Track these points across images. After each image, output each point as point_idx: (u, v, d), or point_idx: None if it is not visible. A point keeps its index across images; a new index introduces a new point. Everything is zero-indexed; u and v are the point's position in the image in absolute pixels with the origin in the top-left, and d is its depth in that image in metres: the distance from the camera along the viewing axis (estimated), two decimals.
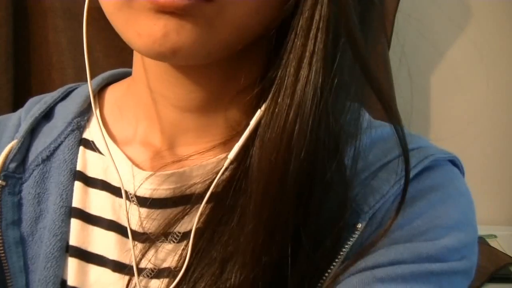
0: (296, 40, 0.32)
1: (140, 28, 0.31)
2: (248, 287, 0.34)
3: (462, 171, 0.43)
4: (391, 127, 0.43)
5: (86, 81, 0.43)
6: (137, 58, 0.41)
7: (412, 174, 0.39)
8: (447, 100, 1.31)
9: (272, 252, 0.34)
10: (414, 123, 1.46)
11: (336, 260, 0.36)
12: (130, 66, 0.44)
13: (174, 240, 0.39)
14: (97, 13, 0.38)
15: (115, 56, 1.03)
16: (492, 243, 1.23)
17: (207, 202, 0.37)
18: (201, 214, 0.37)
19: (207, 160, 0.39)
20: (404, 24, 1.22)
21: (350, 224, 0.37)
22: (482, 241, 1.23)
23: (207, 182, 0.38)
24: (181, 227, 0.39)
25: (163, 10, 0.30)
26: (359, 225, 0.37)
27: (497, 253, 1.18)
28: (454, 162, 0.42)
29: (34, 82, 1.09)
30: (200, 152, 0.39)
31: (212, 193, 0.37)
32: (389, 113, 0.38)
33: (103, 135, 0.42)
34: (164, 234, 0.39)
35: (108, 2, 0.33)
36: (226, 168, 0.36)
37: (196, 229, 0.37)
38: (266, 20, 0.33)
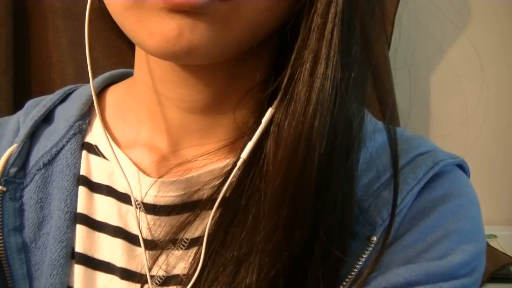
0: (311, 36, 0.32)
1: (153, 28, 0.31)
2: (268, 286, 0.34)
3: (468, 174, 0.44)
4: (394, 129, 0.42)
5: (86, 81, 0.43)
6: (139, 59, 0.41)
7: (423, 182, 0.39)
8: (447, 100, 1.31)
9: (293, 248, 0.33)
10: (414, 123, 1.45)
11: (352, 273, 0.36)
12: (131, 66, 0.44)
13: (182, 247, 0.39)
14: (97, 13, 0.38)
15: (116, 56, 1.03)
16: (492, 243, 1.23)
17: (217, 207, 0.36)
18: (204, 220, 0.37)
19: (214, 164, 0.39)
20: (404, 24, 1.22)
21: (364, 237, 0.37)
22: None
23: (216, 186, 0.37)
24: (188, 234, 0.39)
25: (176, 9, 0.30)
26: (374, 238, 0.37)
27: (497, 253, 1.18)
28: (461, 166, 0.43)
29: (34, 82, 1.09)
30: (205, 154, 0.39)
31: (223, 198, 0.36)
32: (389, 114, 0.38)
33: (108, 139, 0.41)
34: (172, 240, 0.39)
35: (116, 2, 0.33)
36: (239, 168, 0.36)
37: (208, 235, 0.36)
38: (280, 16, 0.33)
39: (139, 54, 0.41)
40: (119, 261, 0.40)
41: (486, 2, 1.26)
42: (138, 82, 0.42)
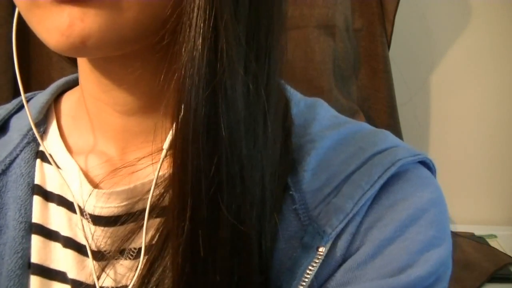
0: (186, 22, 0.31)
1: (49, 23, 0.31)
2: None
3: (433, 171, 0.40)
4: (351, 124, 0.40)
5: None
6: (79, 65, 0.40)
7: (378, 185, 0.36)
8: (447, 100, 1.31)
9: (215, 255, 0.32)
10: (414, 123, 1.46)
11: (301, 287, 0.34)
12: None
13: (131, 257, 0.38)
14: None
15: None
16: (492, 243, 1.22)
17: (159, 216, 0.36)
18: (148, 229, 0.36)
19: (160, 170, 0.37)
20: (404, 24, 1.22)
21: (312, 247, 0.35)
22: (482, 241, 1.23)
23: (159, 194, 0.36)
24: (136, 243, 0.38)
25: (64, 1, 0.30)
26: (322, 249, 0.35)
27: (497, 253, 1.18)
28: (425, 162, 0.39)
29: (34, 82, 1.09)
30: (147, 156, 0.37)
31: (165, 206, 0.35)
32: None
33: (59, 147, 0.41)
34: (120, 251, 0.38)
35: (20, 5, 0.32)
36: (163, 160, 0.35)
37: (149, 244, 0.35)
38: None
39: (79, 61, 0.40)
40: (70, 272, 0.40)
41: (486, 2, 1.25)
42: (82, 89, 0.41)
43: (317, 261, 0.35)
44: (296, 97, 0.42)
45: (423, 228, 0.36)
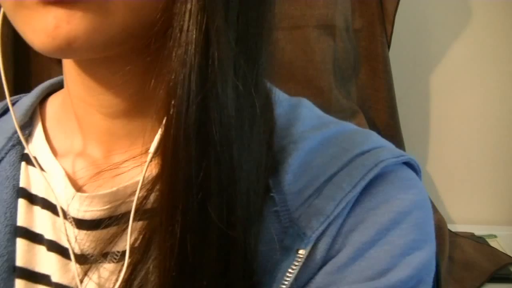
0: (177, 27, 0.30)
1: (35, 25, 0.30)
2: None
3: (418, 172, 0.40)
4: (335, 124, 0.40)
5: None
6: (64, 67, 0.40)
7: (360, 187, 0.35)
8: (447, 100, 1.31)
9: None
10: (414, 123, 1.46)
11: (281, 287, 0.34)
12: None
13: (114, 260, 0.38)
14: None
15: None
16: (492, 243, 1.23)
17: (142, 219, 0.35)
18: (131, 232, 0.35)
19: (142, 173, 0.37)
20: (404, 24, 1.22)
21: (292, 249, 0.34)
22: (482, 241, 1.23)
23: (142, 197, 0.36)
24: (119, 246, 0.38)
25: (52, 1, 0.29)
26: (302, 251, 0.34)
27: (497, 253, 1.18)
28: (409, 163, 0.39)
29: (34, 82, 1.09)
30: (130, 159, 0.37)
31: (148, 209, 0.35)
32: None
33: (44, 150, 0.40)
34: (103, 254, 0.38)
35: (5, 5, 0.32)
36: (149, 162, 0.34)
37: (133, 247, 0.35)
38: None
39: (64, 62, 0.40)
40: (54, 275, 0.40)
41: (486, 2, 1.26)
42: (68, 91, 0.41)
43: (296, 264, 0.34)
44: (280, 97, 0.41)
45: (405, 231, 0.35)
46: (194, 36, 0.30)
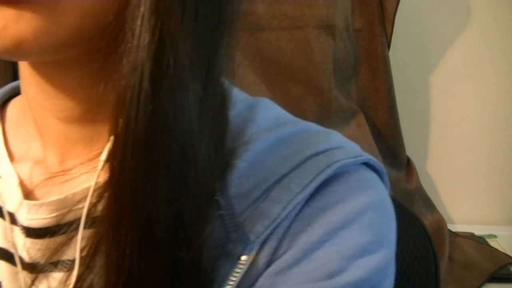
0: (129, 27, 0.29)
1: None
2: None
3: (381, 173, 0.38)
4: (294, 125, 0.39)
5: None
6: (19, 70, 0.39)
7: (310, 189, 0.34)
8: (447, 100, 1.31)
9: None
10: (414, 123, 1.46)
11: None
12: None
13: (64, 269, 0.37)
14: None
15: None
16: (492, 243, 1.23)
17: (90, 227, 0.34)
18: (82, 240, 0.34)
19: (92, 180, 0.35)
20: (404, 24, 1.22)
21: (234, 255, 0.33)
22: (482, 241, 1.23)
23: (91, 204, 0.35)
24: (68, 255, 0.36)
25: (1, 1, 0.29)
26: (245, 257, 0.33)
27: (497, 253, 1.18)
28: (369, 164, 0.37)
29: None
30: (80, 164, 0.36)
31: (97, 217, 0.34)
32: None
33: (1, 155, 0.40)
34: (53, 263, 0.37)
35: None
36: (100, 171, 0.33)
37: (81, 256, 0.34)
38: (112, 0, 0.30)
39: (19, 65, 0.39)
40: (4, 283, 0.39)
41: (486, 2, 1.26)
42: (25, 95, 0.40)
43: (239, 270, 0.33)
44: (238, 97, 0.40)
45: (357, 232, 0.34)
46: (146, 41, 0.28)
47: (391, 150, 1.23)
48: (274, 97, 1.13)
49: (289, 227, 0.34)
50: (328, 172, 0.34)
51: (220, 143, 0.35)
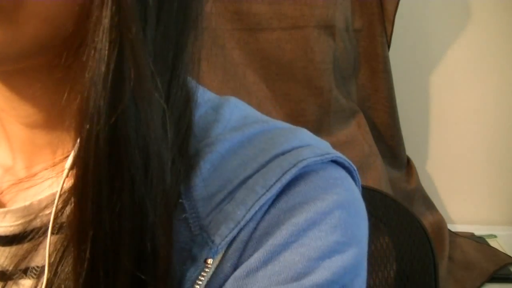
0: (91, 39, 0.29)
1: None
2: None
3: (351, 171, 0.37)
4: (261, 124, 0.38)
5: None
6: None
7: (275, 189, 0.33)
8: (447, 100, 1.31)
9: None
10: (414, 123, 1.46)
11: None
12: None
13: (33, 276, 0.36)
14: None
15: None
16: (492, 243, 1.23)
17: (57, 233, 0.34)
18: (45, 247, 0.33)
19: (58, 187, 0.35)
20: (404, 24, 1.22)
21: (200, 259, 0.33)
22: (482, 241, 1.23)
23: (57, 210, 0.34)
24: (36, 261, 0.36)
25: None
26: (210, 261, 0.32)
27: (497, 253, 1.18)
28: (338, 162, 0.36)
29: None
30: (44, 170, 0.35)
31: (63, 222, 0.33)
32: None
33: None
34: (23, 270, 0.36)
35: None
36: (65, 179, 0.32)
37: (51, 262, 0.33)
38: (73, 11, 0.30)
39: None
40: None
41: (486, 2, 1.26)
42: None
43: (205, 274, 0.32)
44: (205, 97, 0.39)
45: (324, 232, 0.33)
46: (106, 54, 0.28)
47: (391, 150, 1.23)
48: (274, 97, 1.13)
49: (255, 229, 0.33)
50: (294, 171, 0.33)
51: (184, 146, 0.34)
